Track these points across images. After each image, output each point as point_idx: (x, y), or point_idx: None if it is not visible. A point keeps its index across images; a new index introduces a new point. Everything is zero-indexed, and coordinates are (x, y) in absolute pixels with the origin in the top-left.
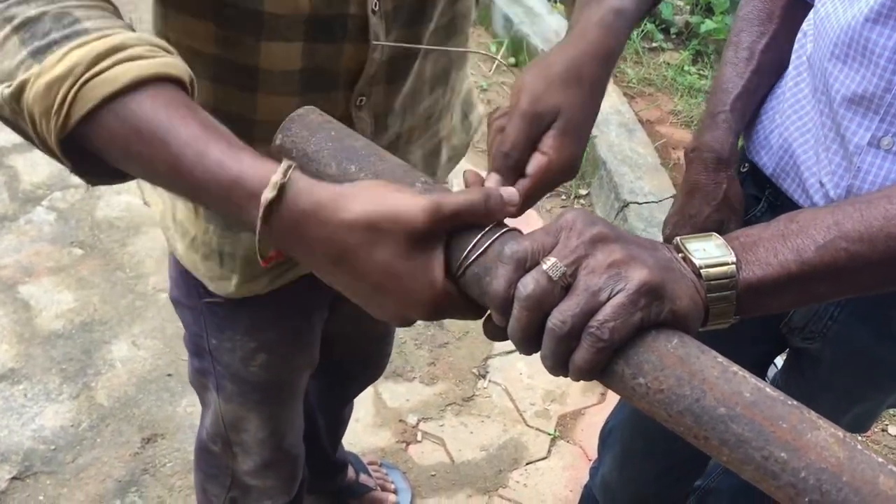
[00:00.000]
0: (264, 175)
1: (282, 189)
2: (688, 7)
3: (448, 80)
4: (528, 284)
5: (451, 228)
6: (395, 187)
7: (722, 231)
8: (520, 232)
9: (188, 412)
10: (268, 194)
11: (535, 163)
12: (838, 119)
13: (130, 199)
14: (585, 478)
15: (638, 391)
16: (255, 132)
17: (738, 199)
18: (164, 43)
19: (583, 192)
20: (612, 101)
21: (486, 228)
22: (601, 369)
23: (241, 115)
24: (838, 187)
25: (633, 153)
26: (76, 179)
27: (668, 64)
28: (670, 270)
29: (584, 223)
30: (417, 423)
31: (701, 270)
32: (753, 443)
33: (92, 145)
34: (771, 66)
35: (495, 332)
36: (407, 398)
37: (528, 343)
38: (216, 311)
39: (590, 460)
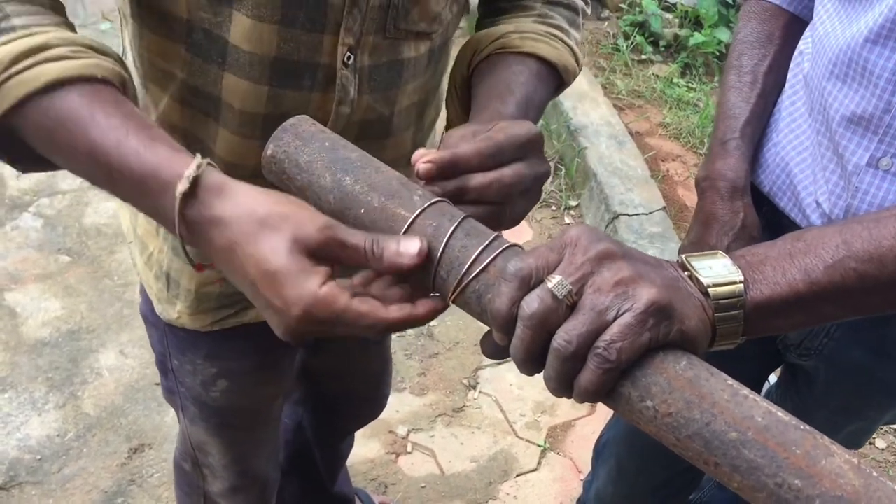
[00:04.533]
0: (179, 168)
1: (195, 182)
2: (677, 20)
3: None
4: (533, 303)
5: (333, 257)
6: (305, 206)
7: None
8: (521, 248)
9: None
10: (181, 187)
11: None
12: (837, 139)
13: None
14: (575, 490)
15: (645, 414)
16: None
17: (756, 228)
18: (95, 43)
19: (573, 203)
20: (603, 112)
21: (486, 243)
22: (607, 391)
23: (203, 142)
24: (836, 207)
25: (624, 165)
26: (64, 185)
27: (658, 76)
28: (677, 290)
29: (590, 239)
30: (407, 435)
31: (709, 289)
32: (766, 469)
33: (20, 133)
34: (775, 88)
35: (495, 351)
36: (397, 409)
37: (532, 363)
38: (177, 332)
39: (580, 472)
